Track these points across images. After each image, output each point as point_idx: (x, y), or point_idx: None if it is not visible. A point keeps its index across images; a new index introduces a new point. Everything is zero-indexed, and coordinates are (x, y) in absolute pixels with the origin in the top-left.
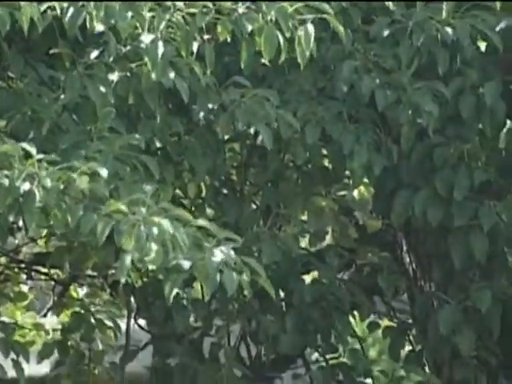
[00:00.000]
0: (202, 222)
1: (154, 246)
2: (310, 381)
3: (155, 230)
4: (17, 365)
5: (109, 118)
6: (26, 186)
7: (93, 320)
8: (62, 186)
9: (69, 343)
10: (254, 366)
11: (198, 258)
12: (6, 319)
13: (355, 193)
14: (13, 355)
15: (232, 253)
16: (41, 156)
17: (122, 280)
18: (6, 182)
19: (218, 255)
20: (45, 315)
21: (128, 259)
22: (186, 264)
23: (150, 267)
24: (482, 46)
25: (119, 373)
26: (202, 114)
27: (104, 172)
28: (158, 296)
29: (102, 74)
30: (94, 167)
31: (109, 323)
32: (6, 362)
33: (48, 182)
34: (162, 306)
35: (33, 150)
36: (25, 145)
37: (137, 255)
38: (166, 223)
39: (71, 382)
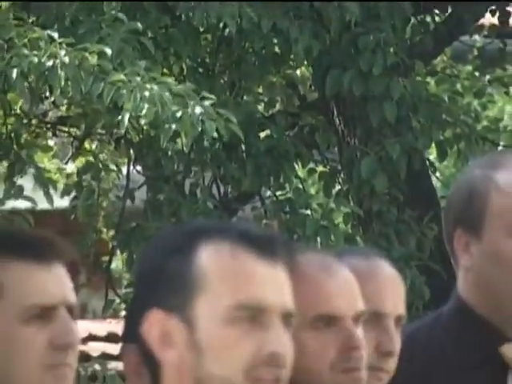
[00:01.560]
0: (182, 86)
1: (146, 105)
2: (264, 212)
3: (147, 93)
4: (48, 196)
5: (115, 10)
6: (50, 63)
7: (101, 166)
8: (77, 63)
9: (83, 183)
10: (222, 200)
11: (183, 113)
12: (39, 165)
13: (298, 71)
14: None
15: (210, 107)
16: (61, 40)
17: (122, 131)
18: (36, 59)
19: (199, 109)
20: (66, 162)
21: (127, 116)
22: (176, 115)
23: (143, 122)
24: None
25: (121, 205)
26: (183, 11)
27: (109, 51)
28: (150, 148)
29: None
30: (101, 48)
31: (114, 168)
32: (38, 195)
33: (67, 60)
34: (153, 155)
35: (55, 36)
36: (50, 32)
37: (133, 113)
38: (155, 88)
39: (85, 212)
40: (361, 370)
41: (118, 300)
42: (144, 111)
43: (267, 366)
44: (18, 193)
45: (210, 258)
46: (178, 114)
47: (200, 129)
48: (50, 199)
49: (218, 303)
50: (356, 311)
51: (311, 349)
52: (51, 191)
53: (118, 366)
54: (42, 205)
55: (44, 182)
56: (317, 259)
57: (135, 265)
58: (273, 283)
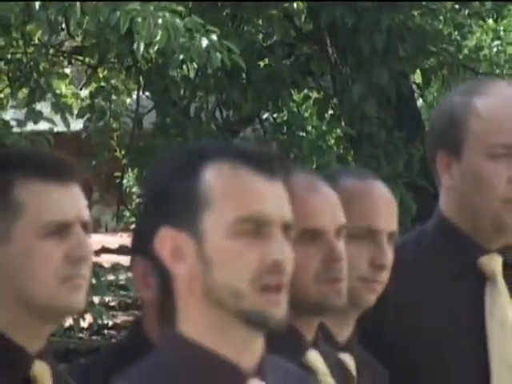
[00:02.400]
0: (189, 19)
1: (159, 31)
2: (264, 132)
3: (160, 21)
4: (64, 119)
5: None
6: None
7: (112, 89)
8: None
9: (95, 105)
10: (225, 123)
11: (190, 44)
12: (56, 91)
13: (294, 5)
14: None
15: (215, 38)
16: None
17: (138, 57)
18: None
19: (205, 42)
20: (80, 89)
21: (142, 44)
22: (185, 45)
23: (155, 48)
24: None
25: (132, 128)
26: None
27: None
28: (159, 75)
29: None
30: None
31: (124, 92)
32: (55, 119)
33: None
34: (161, 82)
35: None
36: None
37: (147, 41)
38: (168, 16)
39: (97, 132)
40: (342, 280)
41: (128, 214)
42: (158, 37)
43: (271, 273)
44: (38, 116)
45: (213, 176)
46: (186, 45)
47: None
48: (66, 122)
49: (222, 218)
50: (338, 225)
51: (297, 262)
52: (67, 115)
53: (129, 275)
54: (58, 128)
55: (61, 106)
56: (303, 179)
57: (144, 186)
58: (272, 197)
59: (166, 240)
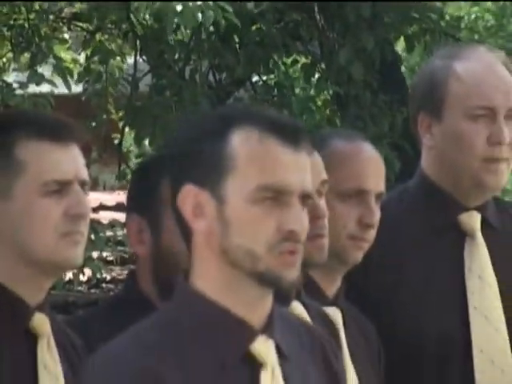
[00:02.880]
0: None
1: None
2: (254, 93)
3: None
4: (66, 82)
5: None
6: None
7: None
8: None
9: (91, 66)
10: (218, 86)
11: (183, 5)
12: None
13: None
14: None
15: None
16: None
17: (134, 20)
18: None
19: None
20: (79, 54)
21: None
22: (178, 8)
23: (149, 13)
24: None
25: (130, 90)
26: None
27: None
28: (155, 40)
29: None
30: None
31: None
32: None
33: None
34: (157, 46)
35: None
36: None
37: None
38: None
39: (94, 94)
40: (324, 236)
41: (128, 171)
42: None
43: (287, 240)
44: (40, 78)
45: (240, 142)
46: (179, 8)
47: (200, 21)
48: (67, 84)
49: (245, 183)
50: (319, 184)
51: None
52: (68, 78)
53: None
54: (60, 90)
55: (62, 69)
56: None
57: (166, 147)
58: (295, 168)
59: (189, 197)
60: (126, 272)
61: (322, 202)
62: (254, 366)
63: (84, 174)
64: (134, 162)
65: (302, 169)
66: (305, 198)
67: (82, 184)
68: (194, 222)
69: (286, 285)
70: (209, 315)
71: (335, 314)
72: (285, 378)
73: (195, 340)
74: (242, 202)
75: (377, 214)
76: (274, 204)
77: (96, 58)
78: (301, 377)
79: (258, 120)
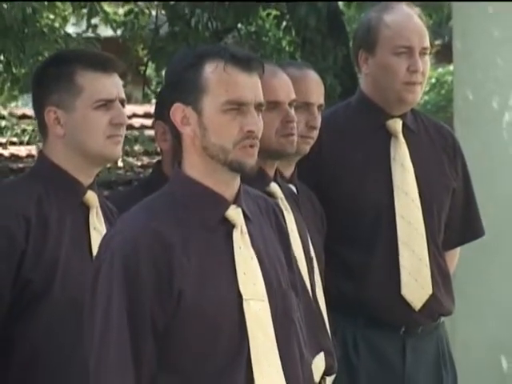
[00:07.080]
0: None
1: None
2: (240, 38)
3: None
4: (112, 28)
5: None
6: None
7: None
8: None
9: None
10: (214, 32)
11: None
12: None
13: None
14: None
15: None
16: None
17: None
18: None
19: None
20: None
21: None
22: None
23: None
24: None
25: (152, 35)
26: None
27: None
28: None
29: None
30: None
31: (146, 12)
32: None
33: None
34: (173, 5)
35: None
36: None
37: None
38: None
39: (131, 38)
40: (294, 134)
41: (150, 92)
42: None
43: (247, 138)
44: (94, 28)
45: (211, 71)
46: None
47: None
48: (114, 29)
49: (216, 100)
50: (290, 99)
51: (264, 124)
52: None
53: (151, 133)
54: (106, 33)
55: (108, 20)
56: (268, 68)
57: (165, 75)
58: (250, 86)
59: (178, 111)
60: (152, 161)
61: (292, 111)
62: (229, 226)
63: (122, 94)
64: (154, 85)
65: (254, 87)
66: (259, 106)
67: (122, 101)
68: (183, 129)
69: (248, 169)
70: (195, 191)
71: (294, 189)
72: (250, 235)
73: (187, 208)
74: (214, 113)
75: (319, 119)
76: (237, 113)
77: (131, 14)
78: (260, 233)
79: (223, 54)
